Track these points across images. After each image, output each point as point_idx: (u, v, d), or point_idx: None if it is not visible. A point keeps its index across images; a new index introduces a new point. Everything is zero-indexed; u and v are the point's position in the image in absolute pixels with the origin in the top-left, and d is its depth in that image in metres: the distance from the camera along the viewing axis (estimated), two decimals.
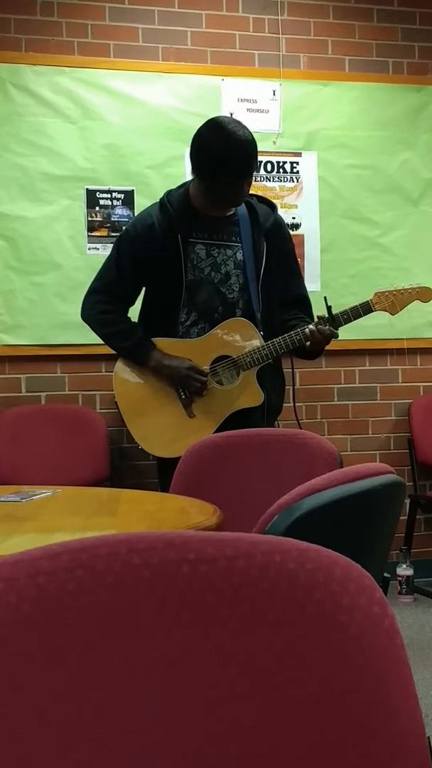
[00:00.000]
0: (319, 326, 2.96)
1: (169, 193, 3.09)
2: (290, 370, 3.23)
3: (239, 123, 2.93)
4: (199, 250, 3.01)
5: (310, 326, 2.97)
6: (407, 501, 4.38)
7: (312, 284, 4.37)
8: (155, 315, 3.07)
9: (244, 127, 2.90)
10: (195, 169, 2.95)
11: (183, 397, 3.03)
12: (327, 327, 2.96)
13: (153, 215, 3.03)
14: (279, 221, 3.15)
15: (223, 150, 2.84)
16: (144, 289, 3.13)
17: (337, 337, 3.02)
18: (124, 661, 0.70)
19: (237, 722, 0.72)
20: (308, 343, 2.98)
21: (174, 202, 3.02)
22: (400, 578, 4.20)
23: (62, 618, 0.69)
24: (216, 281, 3.01)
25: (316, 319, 3.02)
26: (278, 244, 3.09)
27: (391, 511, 1.59)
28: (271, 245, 3.06)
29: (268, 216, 3.10)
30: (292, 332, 2.98)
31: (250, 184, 2.97)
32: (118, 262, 3.08)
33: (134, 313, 3.17)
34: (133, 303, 3.16)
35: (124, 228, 3.32)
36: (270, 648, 0.72)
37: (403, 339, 4.41)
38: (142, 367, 3.06)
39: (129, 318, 3.14)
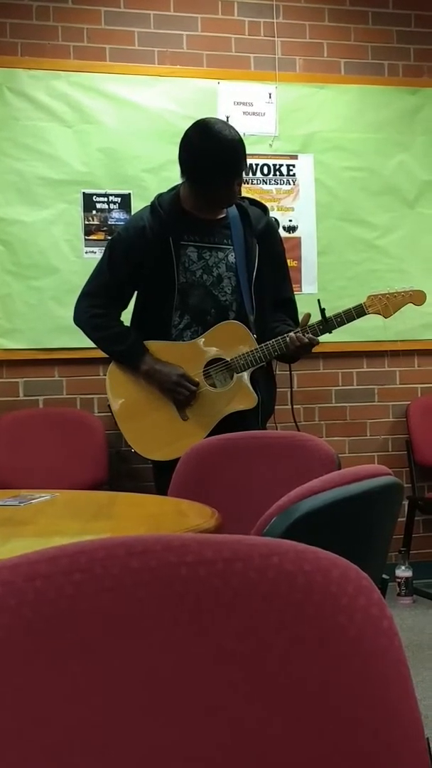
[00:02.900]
0: (299, 334, 2.96)
1: (160, 196, 3.10)
2: (287, 372, 3.23)
3: (225, 123, 2.99)
4: (191, 252, 3.02)
5: (291, 333, 2.97)
6: (406, 502, 4.38)
7: (309, 287, 4.38)
8: (148, 318, 3.07)
9: (231, 127, 2.94)
10: (185, 172, 2.96)
11: (174, 398, 3.03)
12: (306, 336, 2.96)
13: (144, 219, 3.04)
14: (271, 224, 3.16)
15: (212, 151, 2.86)
16: (136, 292, 3.13)
17: (318, 343, 3.02)
18: (123, 663, 0.70)
19: (237, 724, 0.72)
20: (291, 347, 2.98)
21: (165, 205, 3.03)
22: (399, 580, 4.20)
23: (61, 621, 0.69)
24: (208, 284, 3.02)
25: (301, 322, 3.03)
26: (270, 246, 3.09)
27: (389, 512, 1.59)
28: (264, 248, 3.06)
29: (261, 218, 3.10)
30: (285, 335, 2.98)
31: (240, 184, 2.99)
32: (111, 265, 3.08)
33: (126, 316, 3.17)
34: (125, 306, 3.16)
35: (115, 232, 3.33)
36: (269, 650, 0.72)
37: (397, 341, 4.43)
38: (134, 371, 3.06)
39: (122, 322, 3.14)
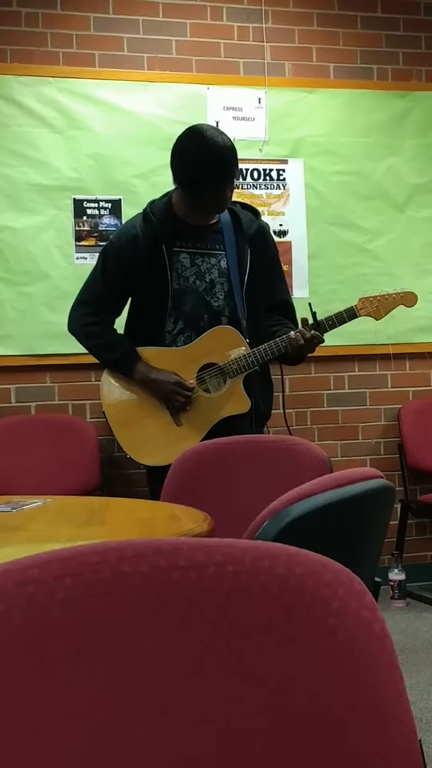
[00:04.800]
0: (302, 331, 2.97)
1: (152, 203, 3.10)
2: (279, 376, 3.24)
3: (217, 130, 2.97)
4: (184, 259, 3.02)
5: (293, 332, 2.98)
6: (398, 506, 4.39)
7: (300, 291, 4.39)
8: (141, 324, 3.07)
9: (223, 134, 2.93)
10: (176, 178, 2.97)
11: (170, 405, 3.03)
12: (310, 332, 2.96)
13: (136, 226, 3.04)
14: (263, 227, 3.16)
15: (204, 158, 2.86)
16: (130, 299, 3.13)
17: (323, 341, 3.03)
18: (114, 668, 0.70)
19: (229, 726, 0.72)
20: (290, 348, 2.98)
21: (157, 212, 3.03)
22: (392, 583, 4.20)
23: (52, 626, 0.69)
24: (201, 290, 3.02)
25: (300, 325, 3.03)
26: (262, 250, 3.10)
27: (381, 515, 1.59)
28: (255, 252, 3.06)
29: (252, 223, 3.11)
30: (277, 338, 2.98)
31: (232, 190, 2.99)
32: (104, 273, 3.08)
33: (120, 322, 3.17)
34: (119, 314, 3.16)
35: (108, 239, 3.33)
36: (260, 652, 0.72)
37: (388, 345, 4.44)
38: (128, 379, 3.06)
39: (115, 330, 3.15)
